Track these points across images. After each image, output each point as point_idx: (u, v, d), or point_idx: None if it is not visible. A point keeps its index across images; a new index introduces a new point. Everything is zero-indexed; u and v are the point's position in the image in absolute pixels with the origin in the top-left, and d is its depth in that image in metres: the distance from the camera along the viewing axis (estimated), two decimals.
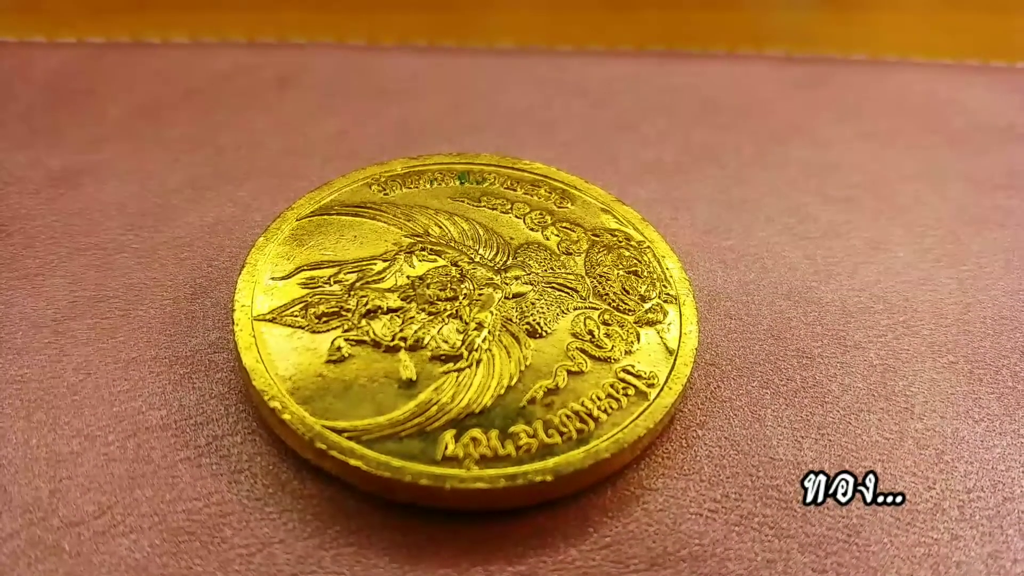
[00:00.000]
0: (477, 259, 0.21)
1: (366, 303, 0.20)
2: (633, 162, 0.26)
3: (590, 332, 0.20)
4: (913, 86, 0.30)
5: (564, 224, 0.22)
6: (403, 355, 0.19)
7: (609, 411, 0.19)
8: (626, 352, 0.20)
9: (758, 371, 0.21)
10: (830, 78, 0.30)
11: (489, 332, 0.20)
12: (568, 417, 0.18)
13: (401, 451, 0.18)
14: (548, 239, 0.22)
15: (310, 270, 0.20)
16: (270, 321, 0.19)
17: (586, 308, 0.20)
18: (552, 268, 0.21)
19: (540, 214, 0.22)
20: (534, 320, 0.20)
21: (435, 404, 0.18)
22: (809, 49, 0.32)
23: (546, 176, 0.23)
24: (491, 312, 0.20)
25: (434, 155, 0.23)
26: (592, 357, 0.20)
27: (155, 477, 0.18)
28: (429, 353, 0.19)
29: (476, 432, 0.18)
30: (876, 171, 0.27)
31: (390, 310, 0.20)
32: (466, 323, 0.20)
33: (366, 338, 0.19)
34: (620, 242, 0.22)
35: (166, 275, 0.22)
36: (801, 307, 0.23)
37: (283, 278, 0.20)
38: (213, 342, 0.21)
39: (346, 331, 0.19)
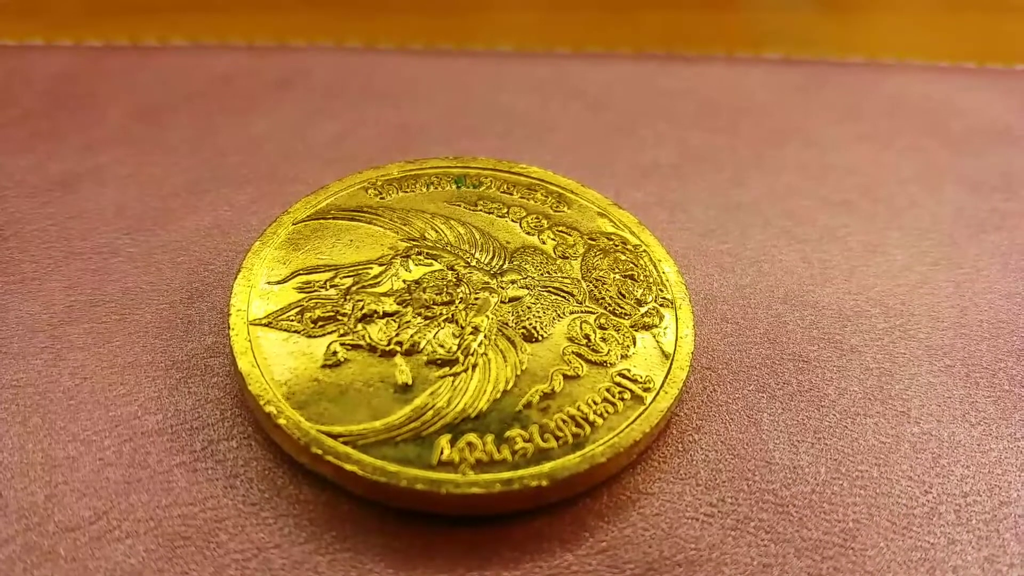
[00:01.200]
0: (473, 263, 0.21)
1: (362, 307, 0.20)
2: (630, 165, 0.26)
3: (586, 336, 0.20)
4: (910, 89, 0.30)
5: (560, 228, 0.22)
6: (399, 359, 0.19)
7: (605, 415, 0.19)
8: (622, 356, 0.20)
9: (754, 375, 0.21)
10: (827, 81, 0.30)
11: (485, 336, 0.20)
12: (564, 421, 0.18)
13: (397, 456, 0.18)
14: (544, 243, 0.22)
15: (306, 274, 0.20)
16: (266, 325, 0.19)
17: (582, 312, 0.20)
18: (548, 272, 0.21)
19: (536, 218, 0.22)
20: (530, 324, 0.20)
21: (431, 409, 0.18)
22: (807, 52, 0.32)
23: (542, 180, 0.23)
24: (487, 316, 0.20)
25: (430, 159, 0.23)
26: (588, 361, 0.19)
27: (151, 482, 0.18)
28: (425, 357, 0.19)
29: (472, 437, 0.18)
30: (873, 174, 0.27)
31: (386, 314, 0.20)
32: (462, 327, 0.20)
33: (362, 342, 0.19)
34: (616, 246, 0.22)
35: (162, 279, 0.22)
36: (798, 311, 0.23)
37: (279, 282, 0.20)
38: (209, 346, 0.21)
39: (342, 335, 0.19)
